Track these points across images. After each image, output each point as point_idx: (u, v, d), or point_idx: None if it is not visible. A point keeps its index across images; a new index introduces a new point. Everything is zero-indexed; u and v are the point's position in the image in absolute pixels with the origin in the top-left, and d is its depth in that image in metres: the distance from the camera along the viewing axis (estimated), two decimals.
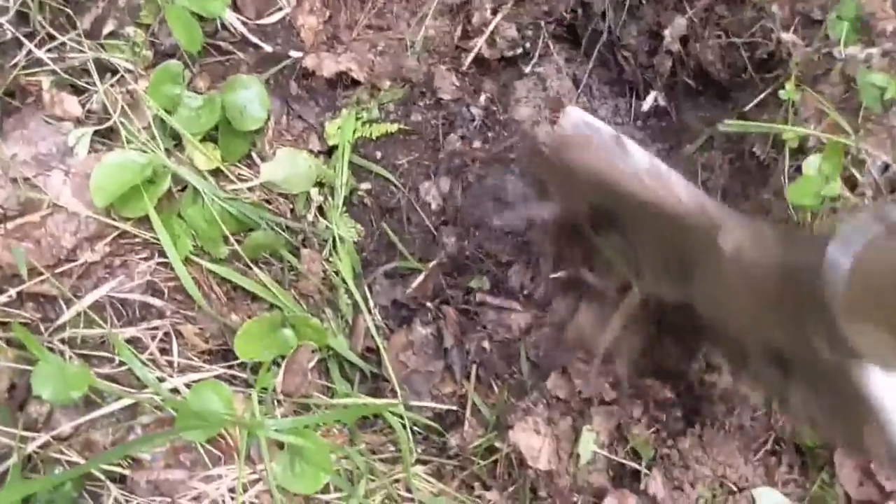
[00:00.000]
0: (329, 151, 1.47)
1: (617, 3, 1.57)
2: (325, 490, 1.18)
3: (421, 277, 1.48)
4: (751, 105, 1.48)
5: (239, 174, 1.34)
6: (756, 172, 1.49)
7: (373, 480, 1.22)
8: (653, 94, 1.64)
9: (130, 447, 1.10)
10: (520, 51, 1.61)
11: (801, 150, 1.33)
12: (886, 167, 1.27)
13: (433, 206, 1.53)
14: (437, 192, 1.54)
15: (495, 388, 1.42)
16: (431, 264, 1.49)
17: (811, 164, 1.30)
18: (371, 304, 1.44)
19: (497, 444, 1.31)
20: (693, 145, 1.58)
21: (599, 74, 1.69)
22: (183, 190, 1.26)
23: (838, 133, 1.28)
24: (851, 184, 1.29)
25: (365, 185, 1.49)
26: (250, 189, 1.33)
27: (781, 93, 1.36)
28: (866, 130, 1.29)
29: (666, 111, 1.66)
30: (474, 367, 1.42)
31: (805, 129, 1.31)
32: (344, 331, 1.40)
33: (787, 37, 1.39)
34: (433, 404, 1.39)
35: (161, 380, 1.15)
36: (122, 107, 1.24)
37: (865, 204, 1.27)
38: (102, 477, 1.09)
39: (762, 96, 1.46)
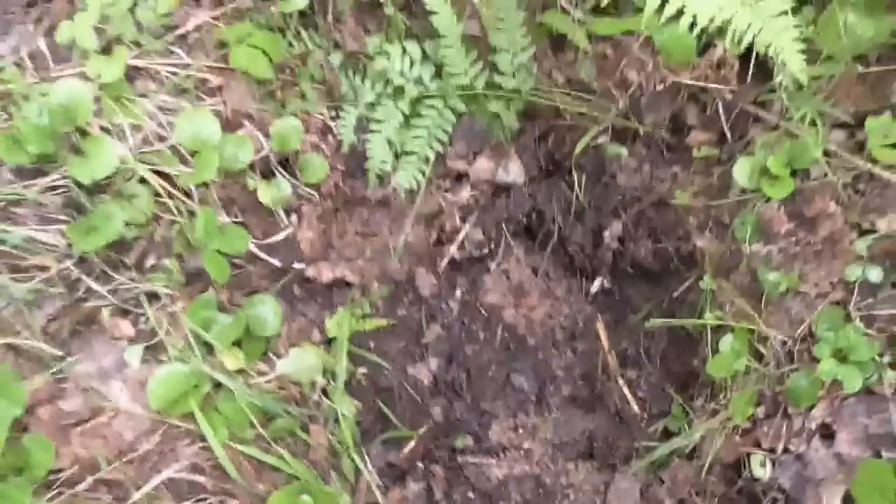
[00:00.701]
0: (329, 342, 1.79)
1: (565, 210, 1.93)
2: None
3: (412, 443, 1.79)
4: (680, 290, 1.84)
5: (258, 370, 1.66)
6: (687, 342, 1.84)
7: None
8: (599, 279, 2.01)
9: None
10: (486, 251, 1.97)
11: (720, 328, 1.67)
12: (784, 342, 1.60)
13: (426, 382, 1.86)
14: (427, 371, 1.87)
15: None
16: (421, 431, 1.81)
17: (725, 342, 1.65)
18: (370, 467, 1.74)
19: None
20: (636, 316, 1.94)
21: (554, 263, 2.05)
22: (217, 387, 1.57)
23: (747, 315, 1.62)
24: (759, 356, 1.63)
25: (362, 370, 1.82)
26: (268, 381, 1.65)
27: (700, 283, 1.72)
28: (768, 313, 1.63)
29: (611, 291, 2.02)
30: None
31: (717, 319, 1.66)
32: (348, 490, 1.69)
33: (701, 242, 1.76)
34: None
35: None
36: (167, 327, 1.57)
37: (769, 372, 1.59)
38: None
39: (687, 284, 1.83)
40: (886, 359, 1.48)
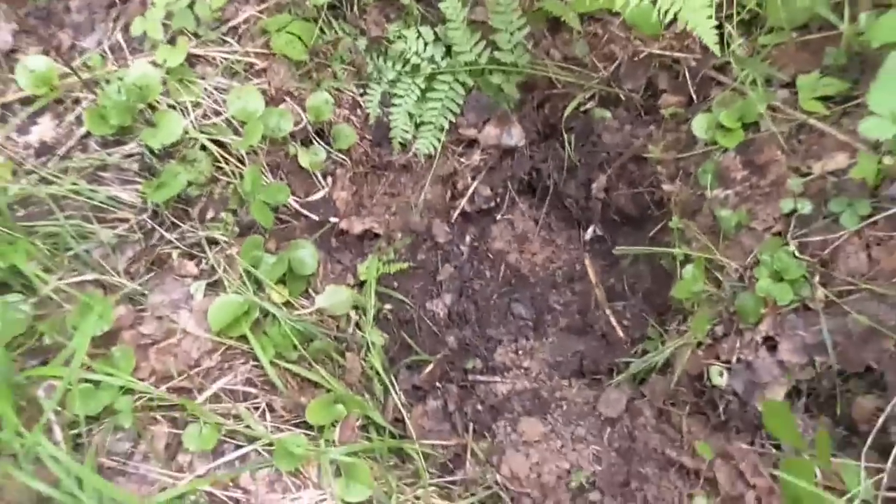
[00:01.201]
0: (361, 284, 2.13)
1: (559, 167, 2.25)
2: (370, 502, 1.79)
3: (430, 367, 2.12)
4: (654, 231, 2.14)
5: (301, 304, 2.00)
6: (664, 276, 2.14)
7: (401, 497, 1.83)
8: (591, 227, 2.32)
9: (241, 472, 1.72)
10: (493, 204, 2.29)
11: (687, 260, 1.97)
12: (737, 270, 1.89)
13: (441, 315, 2.20)
14: (442, 305, 2.21)
15: (487, 437, 2.03)
16: (437, 357, 2.14)
17: (687, 271, 1.94)
18: (396, 388, 2.06)
19: (489, 477, 1.92)
20: (625, 261, 2.24)
21: (553, 215, 2.37)
22: (265, 316, 1.91)
23: (707, 248, 1.92)
24: (718, 283, 1.92)
25: (388, 306, 2.17)
26: (309, 314, 1.99)
27: (670, 223, 2.01)
28: (725, 246, 1.92)
29: (602, 237, 2.33)
30: (471, 424, 2.05)
31: (682, 252, 1.95)
32: (378, 407, 2.02)
33: (669, 187, 2.05)
34: (441, 441, 2.00)
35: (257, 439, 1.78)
36: (224, 266, 1.91)
37: (725, 295, 1.88)
38: (227, 500, 1.71)
39: (661, 225, 2.13)
40: (817, 279, 1.76)
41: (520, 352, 2.22)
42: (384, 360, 2.08)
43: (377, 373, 2.04)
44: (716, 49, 1.58)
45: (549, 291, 2.31)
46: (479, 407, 2.09)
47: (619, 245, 2.27)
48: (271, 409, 1.85)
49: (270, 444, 1.77)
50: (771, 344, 1.80)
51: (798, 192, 1.79)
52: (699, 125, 1.95)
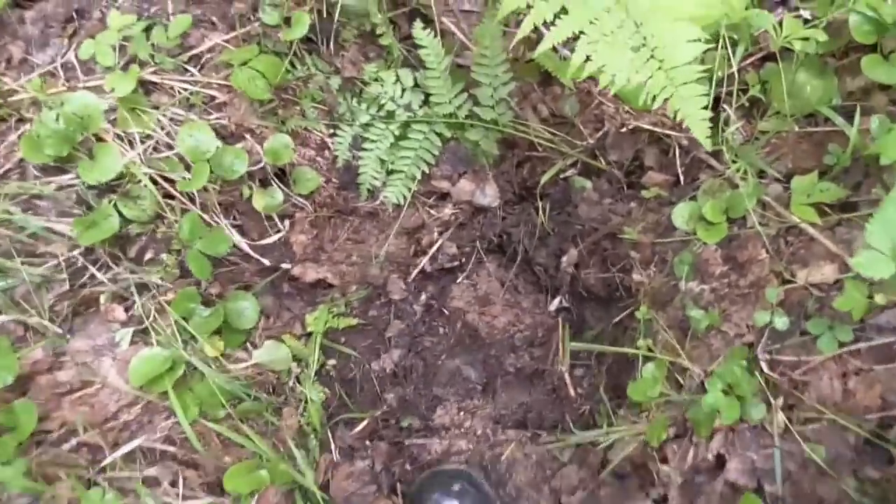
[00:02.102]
0: (307, 335, 2.00)
1: (531, 233, 2.10)
2: None
3: (363, 423, 2.00)
4: (622, 315, 1.99)
5: (237, 357, 1.87)
6: (626, 361, 1.98)
7: None
8: (558, 297, 2.17)
9: None
10: (457, 263, 2.15)
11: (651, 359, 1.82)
12: (700, 375, 1.73)
13: (387, 371, 2.07)
14: (390, 361, 2.07)
15: None
16: (371, 414, 2.02)
17: (647, 369, 1.79)
18: (333, 446, 1.94)
19: None
20: (590, 333, 2.09)
21: (522, 279, 2.22)
22: (195, 370, 1.79)
23: (672, 347, 1.77)
24: (679, 385, 1.76)
25: (331, 361, 2.04)
26: (245, 368, 1.86)
27: (637, 313, 1.86)
28: (692, 346, 1.77)
29: (570, 309, 2.18)
30: (398, 483, 1.93)
31: (647, 348, 1.81)
32: (312, 466, 1.89)
33: (638, 277, 1.90)
34: None
35: None
36: (154, 315, 1.79)
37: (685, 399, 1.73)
38: None
39: (629, 311, 1.97)
40: (780, 400, 1.60)
41: (462, 412, 2.09)
42: (322, 416, 1.96)
43: (314, 429, 1.92)
44: (706, 143, 1.43)
45: (506, 354, 2.18)
46: (409, 467, 1.96)
47: (585, 320, 2.16)
48: (185, 476, 1.73)
49: None
50: (720, 462, 1.65)
51: (777, 301, 1.63)
52: (680, 215, 1.80)
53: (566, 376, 2.09)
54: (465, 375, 2.14)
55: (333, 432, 1.99)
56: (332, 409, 2.03)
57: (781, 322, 1.62)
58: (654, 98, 1.42)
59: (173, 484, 1.71)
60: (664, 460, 1.72)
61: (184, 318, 1.79)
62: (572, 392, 2.07)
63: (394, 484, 1.96)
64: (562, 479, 1.89)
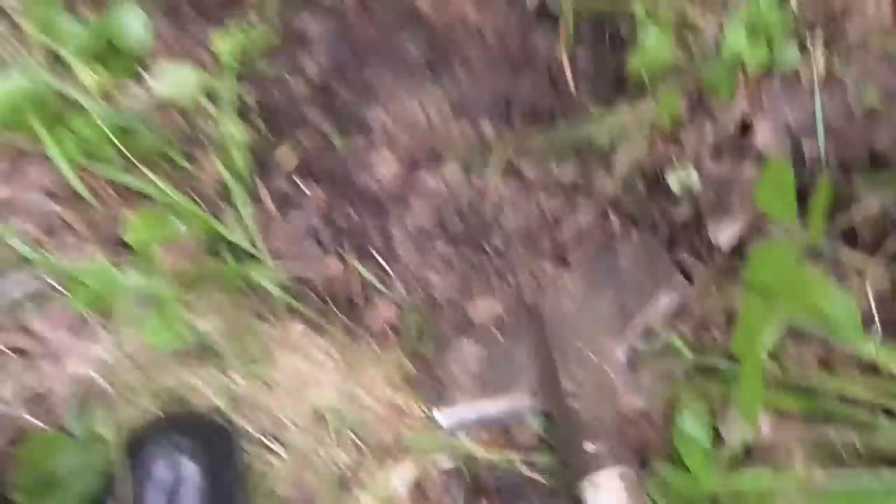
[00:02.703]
0: (217, 64, 1.61)
1: None
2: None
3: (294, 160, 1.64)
4: None
5: (129, 93, 1.49)
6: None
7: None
8: None
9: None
10: None
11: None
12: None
13: (316, 82, 1.67)
14: (314, 67, 1.67)
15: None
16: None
17: (650, 34, 1.41)
18: (265, 197, 1.59)
19: None
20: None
21: None
22: (75, 106, 1.42)
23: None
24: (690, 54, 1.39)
25: (251, 92, 1.64)
26: (141, 104, 1.49)
27: None
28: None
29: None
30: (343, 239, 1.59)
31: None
32: (240, 223, 1.55)
33: None
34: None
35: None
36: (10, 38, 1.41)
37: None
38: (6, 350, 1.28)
39: None
40: (819, 34, 1.24)
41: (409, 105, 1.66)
42: (250, 161, 1.59)
43: (240, 176, 1.56)
44: None
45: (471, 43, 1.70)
46: (352, 211, 1.60)
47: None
48: (73, 226, 1.39)
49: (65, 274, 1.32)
50: (746, 125, 1.31)
51: None
52: None
53: (565, 61, 1.64)
54: (411, 58, 1.70)
55: (265, 181, 1.62)
56: (260, 152, 1.65)
57: None
58: None
59: (50, 233, 1.37)
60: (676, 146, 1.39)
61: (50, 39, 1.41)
62: (572, 85, 1.62)
63: (340, 239, 1.60)
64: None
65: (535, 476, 1.38)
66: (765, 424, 1.30)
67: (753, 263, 1.05)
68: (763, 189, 1.13)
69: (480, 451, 1.41)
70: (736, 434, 1.31)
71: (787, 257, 1.03)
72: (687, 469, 1.28)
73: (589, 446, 1.15)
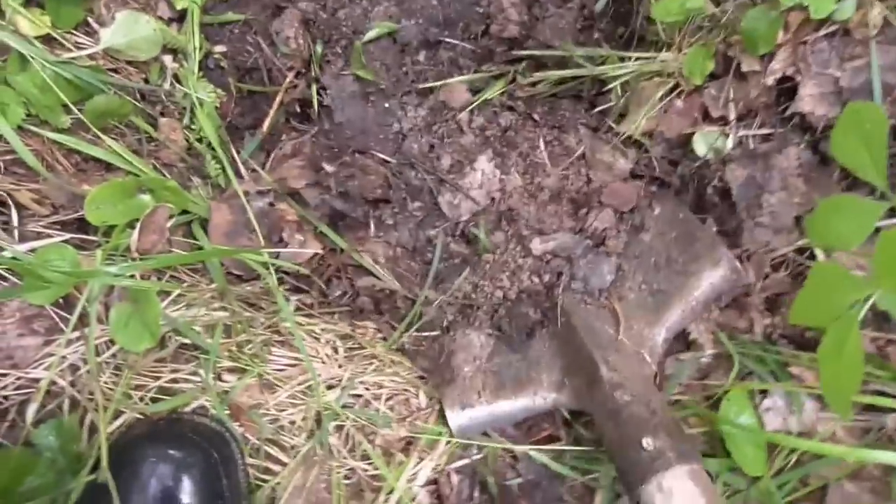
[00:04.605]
0: (179, 17, 1.41)
1: None
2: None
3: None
4: None
5: (76, 42, 1.29)
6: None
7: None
8: None
9: None
10: None
11: None
12: None
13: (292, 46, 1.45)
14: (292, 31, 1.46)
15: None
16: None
17: None
18: (241, 168, 1.40)
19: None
20: None
21: None
22: (15, 57, 1.21)
23: None
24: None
25: (219, 48, 1.44)
26: (91, 57, 1.28)
27: None
28: None
29: None
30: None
31: None
32: (214, 196, 1.37)
33: None
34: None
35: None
36: None
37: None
38: None
39: None
40: None
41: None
42: (220, 126, 1.40)
43: (209, 145, 1.37)
44: None
45: None
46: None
47: None
48: (22, 205, 1.19)
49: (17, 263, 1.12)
50: (788, 87, 1.18)
51: None
52: None
53: None
54: None
55: (239, 147, 1.43)
56: (234, 116, 1.46)
57: None
58: None
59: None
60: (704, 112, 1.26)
61: None
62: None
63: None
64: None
65: (567, 472, 1.26)
66: (810, 410, 1.21)
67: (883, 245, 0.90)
68: (840, 134, 1.00)
69: (497, 450, 1.28)
70: (779, 421, 1.21)
71: None
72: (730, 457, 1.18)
73: (647, 443, 1.02)
